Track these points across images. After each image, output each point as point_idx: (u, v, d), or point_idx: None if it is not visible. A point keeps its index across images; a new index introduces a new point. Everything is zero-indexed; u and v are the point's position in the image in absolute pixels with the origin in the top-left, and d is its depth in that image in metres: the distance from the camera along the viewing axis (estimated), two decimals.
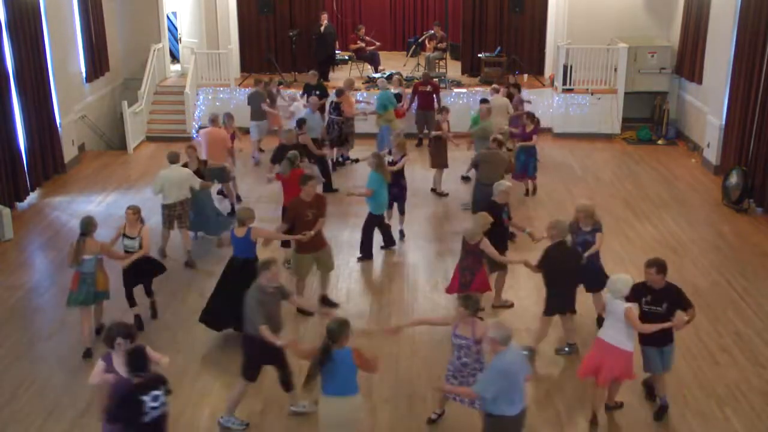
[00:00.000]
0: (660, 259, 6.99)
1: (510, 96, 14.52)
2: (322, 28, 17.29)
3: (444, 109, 13.55)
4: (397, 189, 11.02)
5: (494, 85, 15.05)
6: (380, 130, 14.33)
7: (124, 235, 8.72)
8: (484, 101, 13.36)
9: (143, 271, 8.84)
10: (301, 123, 12.74)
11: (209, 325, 8.58)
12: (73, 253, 8.13)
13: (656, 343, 6.96)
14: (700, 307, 9.16)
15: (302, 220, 8.76)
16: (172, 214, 10.47)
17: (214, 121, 12.25)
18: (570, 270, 7.93)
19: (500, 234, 8.90)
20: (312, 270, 9.26)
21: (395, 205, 11.23)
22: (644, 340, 7.01)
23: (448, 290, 8.83)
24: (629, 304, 6.83)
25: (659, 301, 6.90)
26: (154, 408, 5.56)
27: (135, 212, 8.72)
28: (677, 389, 7.55)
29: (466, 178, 13.51)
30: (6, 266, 10.57)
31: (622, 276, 6.96)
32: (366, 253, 10.61)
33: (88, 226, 8.30)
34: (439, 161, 13.04)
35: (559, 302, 8.07)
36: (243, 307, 6.88)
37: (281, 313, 7.11)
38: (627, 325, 6.78)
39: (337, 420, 6.04)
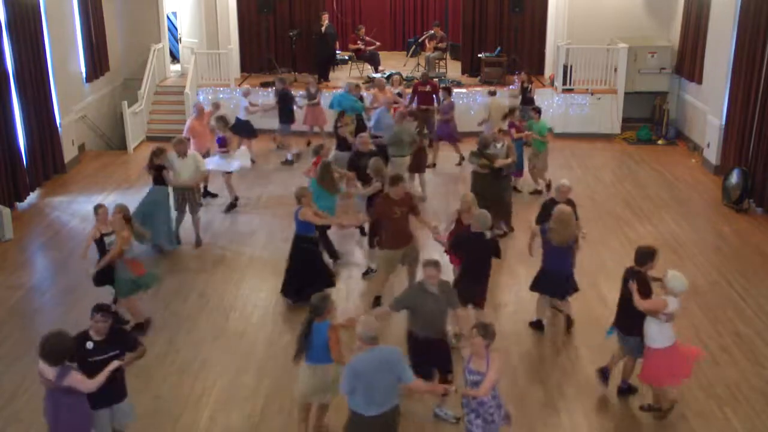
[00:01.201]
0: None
1: (524, 91, 15.03)
2: (323, 28, 17.29)
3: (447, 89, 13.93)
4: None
5: (491, 89, 15.15)
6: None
7: (102, 234, 8.54)
8: (492, 93, 13.70)
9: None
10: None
11: (287, 296, 9.33)
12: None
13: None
14: (700, 307, 9.20)
15: (390, 218, 8.84)
16: (182, 197, 10.78)
17: (200, 112, 12.71)
18: (482, 261, 8.14)
19: None
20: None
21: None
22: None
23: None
24: (668, 296, 6.84)
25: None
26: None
27: (105, 211, 8.63)
28: (677, 389, 7.55)
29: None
30: (6, 266, 10.57)
31: (676, 273, 6.93)
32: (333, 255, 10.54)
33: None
34: (416, 164, 12.66)
35: (468, 293, 7.96)
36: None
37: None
38: (657, 321, 6.86)
39: (314, 386, 6.53)
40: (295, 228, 9.22)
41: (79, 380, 5.79)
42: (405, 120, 12.30)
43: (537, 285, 8.60)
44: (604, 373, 7.62)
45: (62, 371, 5.73)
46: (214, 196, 12.98)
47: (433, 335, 6.87)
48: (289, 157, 14.89)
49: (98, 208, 8.62)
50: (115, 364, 6.01)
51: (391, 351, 5.85)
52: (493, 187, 10.83)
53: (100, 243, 8.52)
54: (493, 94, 14.67)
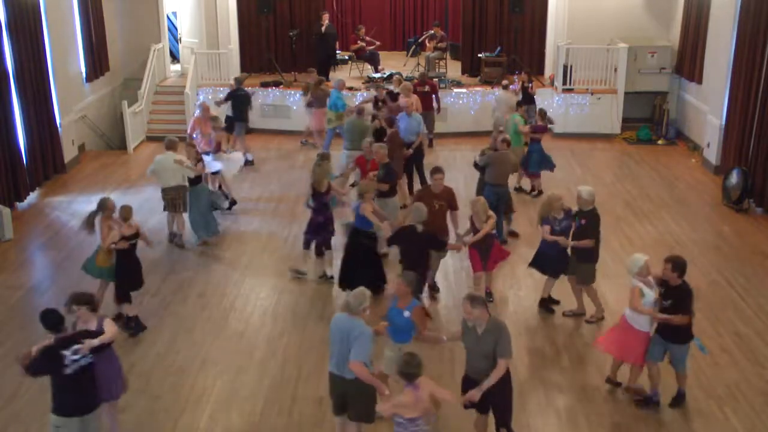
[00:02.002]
0: (677, 257, 7.10)
1: (525, 90, 15.09)
2: (323, 28, 17.28)
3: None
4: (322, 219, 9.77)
5: (504, 82, 15.20)
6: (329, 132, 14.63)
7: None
8: (504, 87, 13.83)
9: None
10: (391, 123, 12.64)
11: (345, 287, 9.17)
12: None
13: (662, 334, 7.19)
14: (700, 307, 9.17)
15: (429, 210, 8.76)
16: (166, 198, 10.92)
17: (205, 110, 12.76)
18: (416, 252, 8.44)
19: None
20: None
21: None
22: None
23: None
24: (638, 284, 7.10)
25: (667, 296, 7.07)
26: (74, 361, 5.91)
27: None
28: (677, 389, 7.56)
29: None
30: (6, 266, 10.57)
31: (634, 255, 7.30)
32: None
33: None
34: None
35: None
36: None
37: None
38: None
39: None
40: (354, 221, 9.35)
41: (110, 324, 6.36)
42: (361, 116, 12.77)
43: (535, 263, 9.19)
44: (648, 401, 7.44)
45: (101, 319, 6.34)
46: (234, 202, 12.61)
47: (471, 375, 6.34)
48: (249, 157, 14.55)
49: (122, 208, 8.94)
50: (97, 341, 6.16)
51: (355, 326, 6.14)
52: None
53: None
54: (505, 87, 14.86)
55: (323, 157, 10.18)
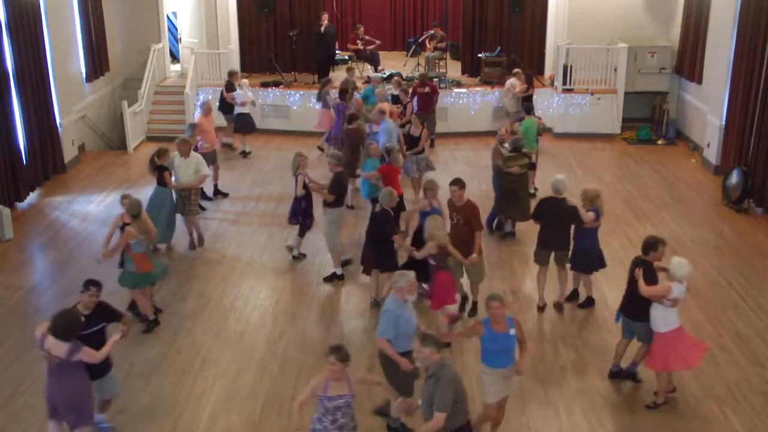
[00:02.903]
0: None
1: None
2: (323, 28, 17.28)
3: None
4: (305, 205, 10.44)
5: (516, 70, 15.43)
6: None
7: (125, 223, 8.65)
8: (527, 100, 13.59)
9: None
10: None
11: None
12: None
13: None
14: (700, 307, 9.20)
15: (452, 224, 8.74)
16: (180, 196, 10.75)
17: (207, 109, 12.93)
18: (372, 231, 9.04)
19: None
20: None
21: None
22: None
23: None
24: (672, 284, 7.11)
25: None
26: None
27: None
28: (677, 389, 7.56)
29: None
30: (6, 266, 10.57)
31: (681, 260, 7.20)
32: None
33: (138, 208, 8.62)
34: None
35: (363, 258, 9.38)
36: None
37: None
38: (662, 307, 7.15)
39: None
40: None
41: (89, 353, 6.19)
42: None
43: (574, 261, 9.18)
44: (616, 374, 7.80)
45: (74, 346, 6.10)
46: (225, 195, 13.08)
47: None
48: (248, 149, 15.35)
49: (123, 198, 8.84)
50: (116, 337, 6.49)
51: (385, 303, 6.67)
52: (524, 184, 11.15)
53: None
54: (516, 75, 15.08)
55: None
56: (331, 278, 10.00)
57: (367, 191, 11.13)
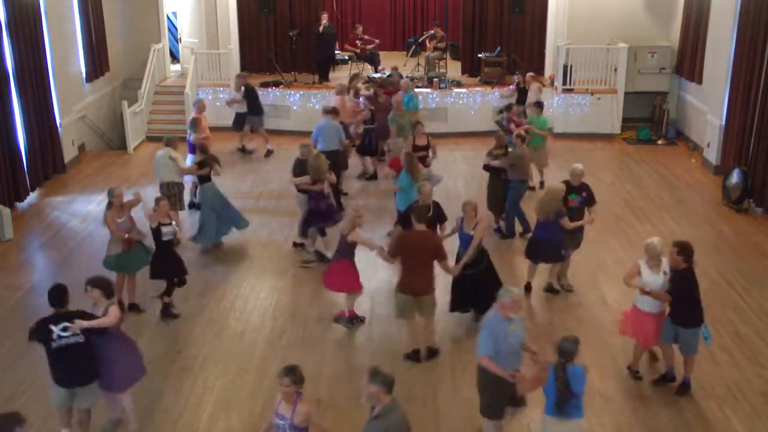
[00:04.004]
0: (683, 242, 7.40)
1: (521, 91, 15.10)
2: (321, 28, 17.29)
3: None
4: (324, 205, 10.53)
5: (531, 73, 15.39)
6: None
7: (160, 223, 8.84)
8: (538, 104, 13.49)
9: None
10: None
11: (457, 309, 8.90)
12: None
13: (672, 317, 7.44)
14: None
15: (406, 253, 8.04)
16: (163, 193, 10.78)
17: (201, 108, 13.31)
18: None
19: None
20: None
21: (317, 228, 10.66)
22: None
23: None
24: (640, 262, 7.53)
25: (672, 279, 7.35)
26: (61, 337, 6.35)
27: (166, 204, 9.06)
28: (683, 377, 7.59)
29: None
30: (6, 266, 10.57)
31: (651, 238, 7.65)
32: None
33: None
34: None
35: None
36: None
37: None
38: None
39: None
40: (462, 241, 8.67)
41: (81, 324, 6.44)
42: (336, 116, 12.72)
43: (527, 252, 9.53)
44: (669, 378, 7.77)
45: (108, 305, 6.65)
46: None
47: None
48: (269, 146, 15.48)
49: (159, 200, 9.01)
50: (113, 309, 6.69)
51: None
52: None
53: (156, 232, 8.78)
54: (533, 77, 15.08)
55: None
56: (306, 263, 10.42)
57: (402, 202, 10.44)
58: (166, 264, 8.98)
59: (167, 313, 9.10)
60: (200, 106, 13.41)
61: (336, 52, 18.80)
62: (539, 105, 13.26)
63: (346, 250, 8.64)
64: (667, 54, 16.67)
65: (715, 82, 14.24)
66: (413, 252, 7.86)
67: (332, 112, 12.60)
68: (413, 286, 7.89)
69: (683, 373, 7.61)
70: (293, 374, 5.47)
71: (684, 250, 7.25)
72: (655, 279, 7.38)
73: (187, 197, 11.91)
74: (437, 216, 9.18)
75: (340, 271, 8.73)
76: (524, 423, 7.16)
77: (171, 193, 10.94)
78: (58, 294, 6.49)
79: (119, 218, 8.86)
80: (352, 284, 8.78)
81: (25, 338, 6.47)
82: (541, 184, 13.23)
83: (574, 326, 8.86)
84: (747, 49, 12.69)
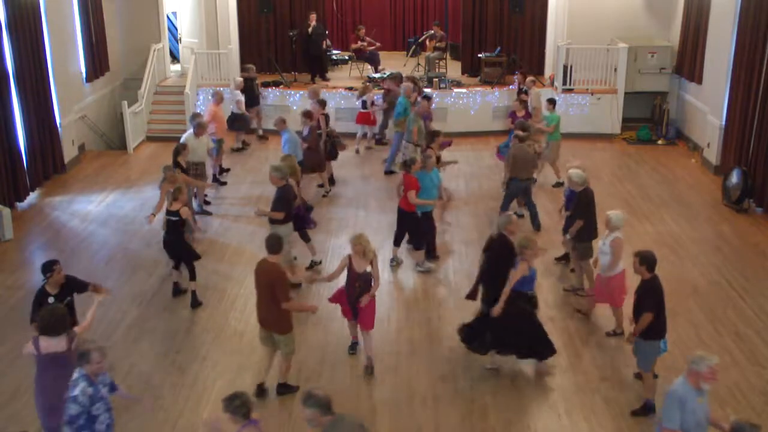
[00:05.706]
0: (646, 251, 7.08)
1: (520, 91, 15.11)
2: (310, 29, 17.30)
3: (321, 102, 13.71)
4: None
5: (531, 78, 15.38)
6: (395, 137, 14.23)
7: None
8: (550, 101, 13.57)
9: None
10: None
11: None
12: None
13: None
14: (700, 307, 9.20)
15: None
16: (189, 172, 11.31)
17: (218, 98, 13.90)
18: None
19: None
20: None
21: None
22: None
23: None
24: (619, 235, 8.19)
25: (637, 289, 7.10)
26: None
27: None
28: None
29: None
30: (6, 266, 10.57)
31: (617, 212, 8.39)
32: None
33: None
34: (311, 164, 12.58)
35: None
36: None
37: None
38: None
39: None
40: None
41: (80, 328, 6.61)
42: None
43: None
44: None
45: (70, 334, 6.34)
46: (223, 183, 13.74)
47: None
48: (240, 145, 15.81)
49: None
50: (99, 298, 7.06)
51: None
52: None
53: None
54: (533, 82, 15.06)
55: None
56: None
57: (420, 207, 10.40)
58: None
59: (195, 302, 9.44)
60: (218, 97, 13.86)
61: (335, 51, 18.79)
62: (552, 102, 13.46)
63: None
64: (667, 54, 16.67)
65: (715, 82, 14.24)
66: (256, 282, 7.61)
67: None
68: (259, 317, 7.61)
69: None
70: (230, 404, 5.25)
71: (645, 260, 6.90)
72: (602, 247, 8.29)
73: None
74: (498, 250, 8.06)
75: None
76: (525, 423, 7.16)
77: (192, 172, 11.43)
78: (45, 267, 7.03)
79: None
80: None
81: (25, 338, 6.47)
82: (559, 184, 13.15)
83: (574, 327, 8.87)
84: (747, 49, 12.69)
